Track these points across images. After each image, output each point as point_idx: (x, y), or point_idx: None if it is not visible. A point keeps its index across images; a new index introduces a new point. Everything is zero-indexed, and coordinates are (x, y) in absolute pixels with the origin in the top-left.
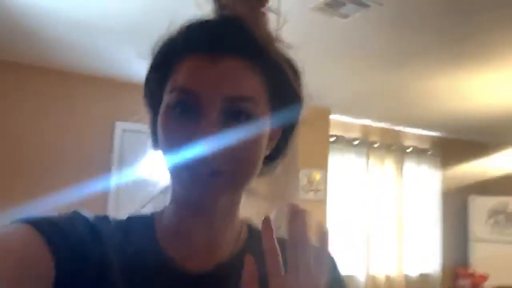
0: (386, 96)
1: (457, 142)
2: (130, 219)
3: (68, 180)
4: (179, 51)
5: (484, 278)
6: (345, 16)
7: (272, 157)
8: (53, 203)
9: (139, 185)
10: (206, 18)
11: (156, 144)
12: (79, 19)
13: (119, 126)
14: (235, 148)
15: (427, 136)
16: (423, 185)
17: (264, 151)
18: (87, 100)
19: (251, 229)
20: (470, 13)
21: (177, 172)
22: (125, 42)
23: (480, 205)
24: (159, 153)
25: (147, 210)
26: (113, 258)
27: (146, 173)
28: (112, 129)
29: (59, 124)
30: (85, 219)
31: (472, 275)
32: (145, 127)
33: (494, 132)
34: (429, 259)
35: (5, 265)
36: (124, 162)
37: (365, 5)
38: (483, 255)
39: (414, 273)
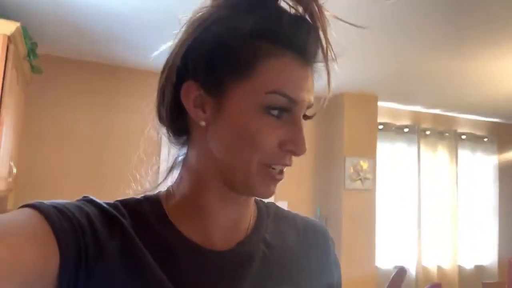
0: (437, 81)
1: None
2: (136, 201)
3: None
4: (274, 44)
5: None
6: None
7: None
8: None
9: None
10: (292, 14)
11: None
12: (125, 13)
13: None
14: None
15: (483, 122)
16: (478, 173)
17: None
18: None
19: (256, 202)
20: None
21: (250, 166)
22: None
23: None
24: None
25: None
26: (134, 239)
27: None
28: None
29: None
30: (97, 204)
31: None
32: None
33: None
34: (485, 250)
35: (8, 242)
36: None
37: None
38: None
39: (468, 264)
